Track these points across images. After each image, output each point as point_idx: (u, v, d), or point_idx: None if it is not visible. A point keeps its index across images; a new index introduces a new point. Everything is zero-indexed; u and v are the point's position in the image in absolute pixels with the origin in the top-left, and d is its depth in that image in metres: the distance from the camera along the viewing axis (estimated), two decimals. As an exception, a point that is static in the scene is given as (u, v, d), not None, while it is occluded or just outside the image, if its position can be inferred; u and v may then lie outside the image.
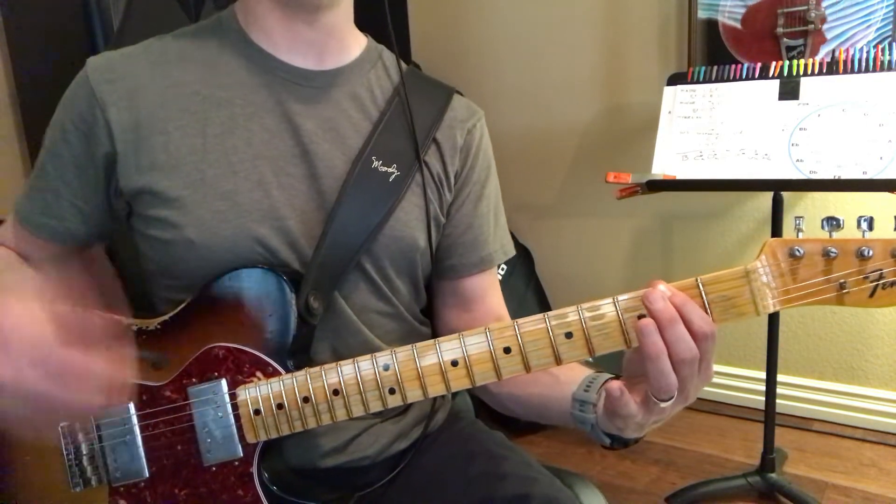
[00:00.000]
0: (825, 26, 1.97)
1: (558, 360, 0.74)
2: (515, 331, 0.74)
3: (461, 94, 1.04)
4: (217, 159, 0.86)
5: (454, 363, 0.75)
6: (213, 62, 0.90)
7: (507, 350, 0.74)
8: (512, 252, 1.06)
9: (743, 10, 2.08)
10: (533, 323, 0.74)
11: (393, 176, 0.91)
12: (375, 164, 0.90)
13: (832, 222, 0.70)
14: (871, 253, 0.68)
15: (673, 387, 0.69)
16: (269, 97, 0.89)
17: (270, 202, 0.86)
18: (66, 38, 1.93)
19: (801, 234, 0.72)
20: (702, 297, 0.71)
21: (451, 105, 0.99)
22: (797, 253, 0.70)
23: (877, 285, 0.69)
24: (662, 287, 0.70)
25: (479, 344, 0.75)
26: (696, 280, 0.72)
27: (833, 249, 0.69)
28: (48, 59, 2.05)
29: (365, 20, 1.01)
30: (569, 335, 0.73)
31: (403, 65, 1.00)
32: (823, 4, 1.96)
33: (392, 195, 0.90)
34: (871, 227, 0.69)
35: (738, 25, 2.09)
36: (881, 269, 0.69)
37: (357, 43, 0.98)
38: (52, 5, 1.95)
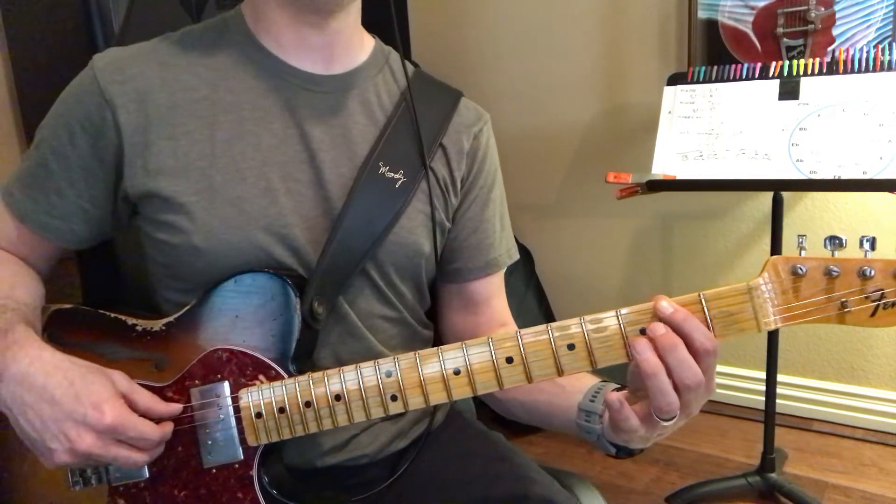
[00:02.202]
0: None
1: (560, 372, 0.74)
2: (518, 341, 0.75)
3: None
4: (225, 165, 0.85)
5: (456, 372, 0.76)
6: (221, 66, 0.89)
7: (509, 360, 0.75)
8: (516, 256, 1.06)
9: (743, 10, 2.08)
10: (535, 334, 0.75)
11: (399, 182, 0.90)
12: (382, 170, 0.89)
13: (835, 241, 0.71)
14: (872, 273, 0.69)
15: (675, 406, 0.69)
16: (278, 102, 0.89)
17: (278, 209, 0.86)
18: (66, 38, 1.93)
19: (803, 253, 0.72)
20: (704, 313, 0.72)
21: (457, 109, 0.99)
22: (799, 271, 0.71)
23: (878, 305, 0.70)
24: (665, 303, 0.70)
25: (481, 353, 0.76)
26: (699, 295, 0.72)
27: (835, 268, 0.70)
28: (48, 59, 2.05)
29: (370, 21, 1.01)
30: (571, 347, 0.74)
31: (410, 68, 1.00)
32: (822, 5, 1.96)
33: (398, 201, 0.90)
34: (873, 248, 0.70)
35: (741, 27, 2.09)
36: (882, 290, 0.69)
37: (365, 46, 0.97)
38: (52, 5, 1.95)
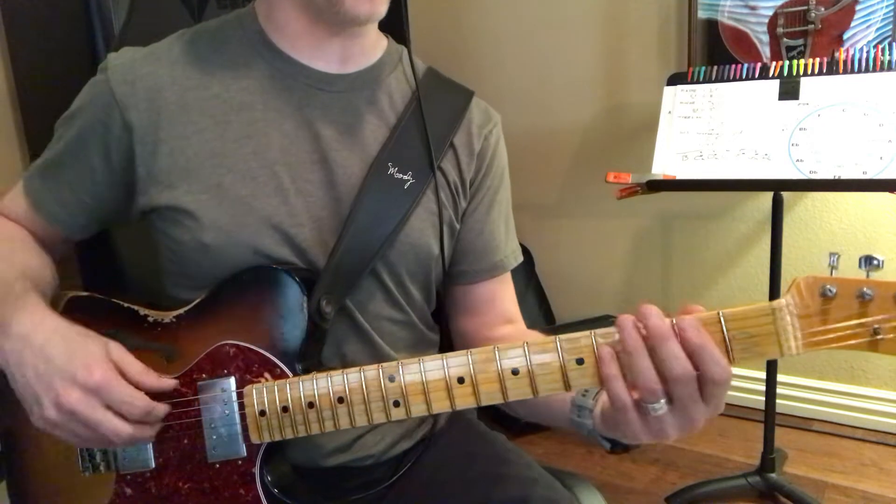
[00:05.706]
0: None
1: (567, 386, 0.71)
2: (525, 352, 0.72)
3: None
4: (235, 164, 0.85)
5: (461, 380, 0.73)
6: (234, 65, 0.89)
7: (514, 372, 0.72)
8: (520, 258, 1.06)
9: (743, 11, 2.09)
10: (543, 345, 0.72)
11: (408, 183, 0.90)
12: (391, 170, 0.89)
13: (872, 262, 0.65)
14: None
15: (657, 389, 0.66)
16: (290, 102, 0.89)
17: (288, 209, 0.86)
18: (66, 38, 1.93)
19: (835, 273, 0.66)
20: (722, 333, 0.67)
21: (469, 109, 0.99)
22: (829, 293, 0.65)
23: None
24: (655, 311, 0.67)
25: (486, 363, 0.73)
26: (718, 314, 0.67)
27: (869, 291, 0.64)
28: (48, 59, 2.05)
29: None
30: (580, 361, 0.71)
31: (423, 66, 0.99)
32: (822, 5, 1.96)
33: (406, 203, 0.90)
34: None
35: (741, 27, 2.10)
36: None
37: (379, 45, 0.97)
38: (52, 5, 1.95)
